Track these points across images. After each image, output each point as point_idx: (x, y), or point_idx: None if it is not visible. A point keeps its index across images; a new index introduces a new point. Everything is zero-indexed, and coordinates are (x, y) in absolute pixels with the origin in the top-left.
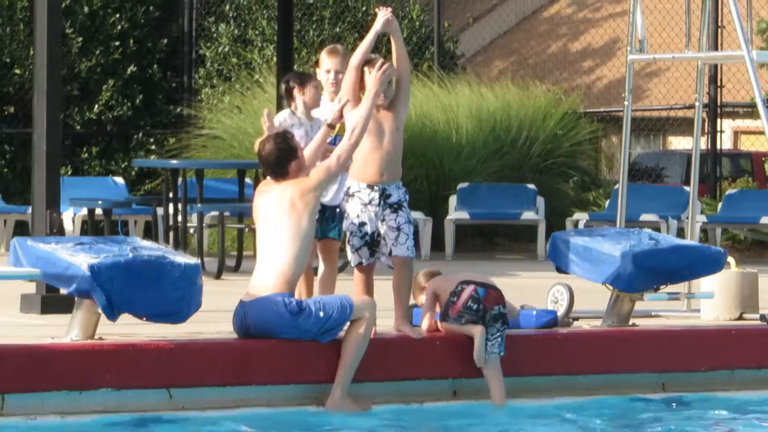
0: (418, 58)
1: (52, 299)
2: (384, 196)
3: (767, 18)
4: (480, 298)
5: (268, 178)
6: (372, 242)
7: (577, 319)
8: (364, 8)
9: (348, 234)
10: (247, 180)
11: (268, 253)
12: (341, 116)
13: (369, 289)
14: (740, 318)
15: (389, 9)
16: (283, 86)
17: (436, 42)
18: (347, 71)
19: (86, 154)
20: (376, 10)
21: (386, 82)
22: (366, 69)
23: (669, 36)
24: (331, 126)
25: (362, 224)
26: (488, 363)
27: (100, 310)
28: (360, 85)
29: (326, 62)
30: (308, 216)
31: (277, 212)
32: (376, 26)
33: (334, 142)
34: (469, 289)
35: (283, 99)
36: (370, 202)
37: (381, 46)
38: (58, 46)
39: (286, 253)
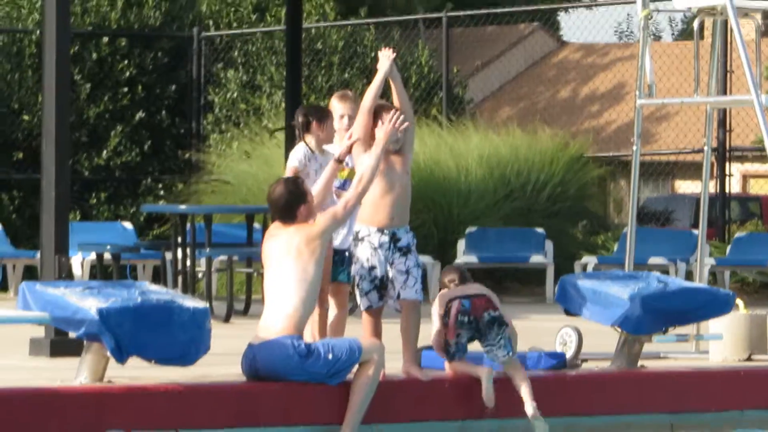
0: (426, 103)
1: (61, 343)
2: (394, 240)
3: None
4: (467, 309)
5: (277, 221)
6: (381, 286)
7: (585, 361)
8: (372, 54)
9: (357, 278)
10: (256, 225)
11: (276, 297)
12: (349, 151)
13: (378, 332)
14: (749, 359)
15: (390, 49)
16: (300, 119)
17: (445, 87)
18: (359, 114)
19: (95, 200)
20: (379, 52)
21: (396, 135)
22: (381, 114)
23: (678, 80)
24: (339, 161)
25: (372, 268)
26: (508, 367)
27: (108, 354)
28: (371, 127)
29: (338, 107)
30: (314, 263)
31: (285, 258)
32: (384, 68)
33: (344, 187)
34: (455, 306)
35: (297, 130)
36: (380, 246)
37: (388, 91)
38: (67, 92)
39: (293, 297)
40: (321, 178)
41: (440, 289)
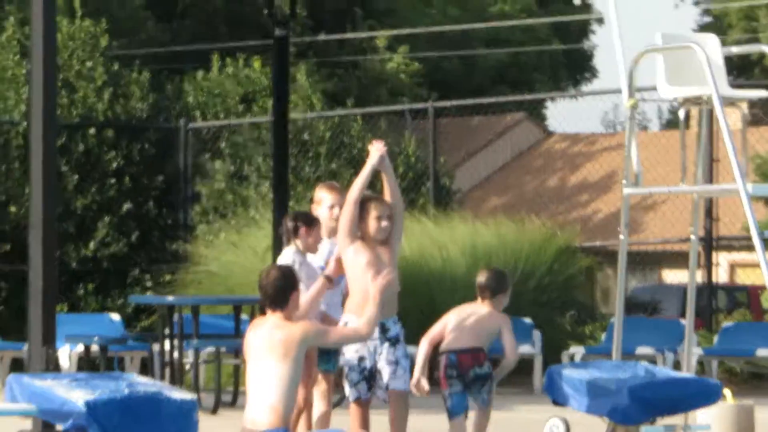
0: (414, 194)
1: None
2: (383, 330)
3: (761, 152)
4: (454, 364)
5: (266, 312)
6: (370, 377)
7: None
8: (360, 144)
9: (346, 368)
10: (243, 316)
11: (259, 391)
12: (339, 268)
13: (366, 424)
14: None
15: (382, 142)
16: (290, 224)
17: (432, 177)
18: (345, 206)
19: (82, 291)
20: (369, 145)
21: (388, 291)
22: (368, 205)
23: (665, 170)
24: (329, 279)
25: (361, 359)
26: (479, 413)
27: None
28: (359, 219)
29: (327, 198)
30: (292, 361)
31: (265, 354)
32: (372, 160)
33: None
34: (443, 360)
35: (283, 235)
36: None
37: (376, 182)
38: (54, 183)
39: (274, 389)
40: (310, 292)
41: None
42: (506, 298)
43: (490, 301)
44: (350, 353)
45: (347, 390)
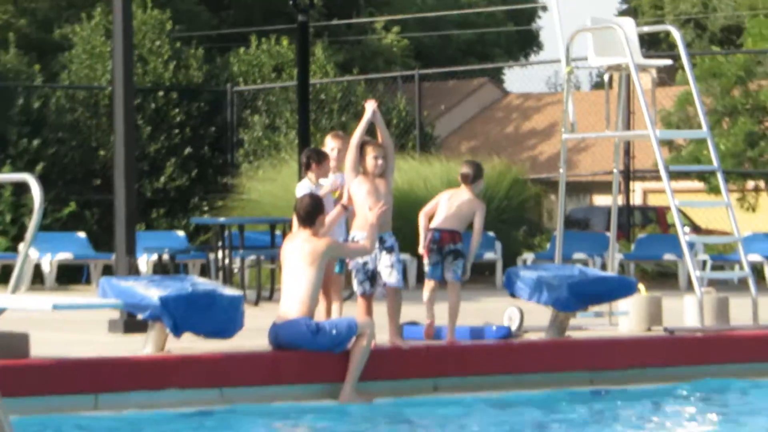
0: (404, 139)
1: (131, 323)
2: (381, 241)
3: (666, 106)
4: (436, 239)
5: (294, 229)
6: (372, 276)
7: (526, 332)
8: (362, 102)
9: (354, 271)
10: (277, 232)
11: (291, 288)
12: (350, 200)
13: (370, 312)
14: (649, 330)
15: (374, 101)
16: (304, 158)
17: (418, 127)
18: (349, 150)
19: (155, 214)
20: (364, 103)
21: (383, 219)
22: (366, 147)
23: (593, 120)
24: (345, 207)
25: (365, 263)
26: (450, 287)
27: (167, 330)
28: (360, 159)
29: (331, 143)
30: (317, 268)
31: (296, 261)
32: (367, 115)
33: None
34: (429, 235)
35: (302, 166)
36: None
37: (374, 131)
38: (132, 133)
39: (303, 288)
40: (330, 215)
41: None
42: (482, 184)
43: (470, 186)
44: (357, 259)
45: (355, 287)
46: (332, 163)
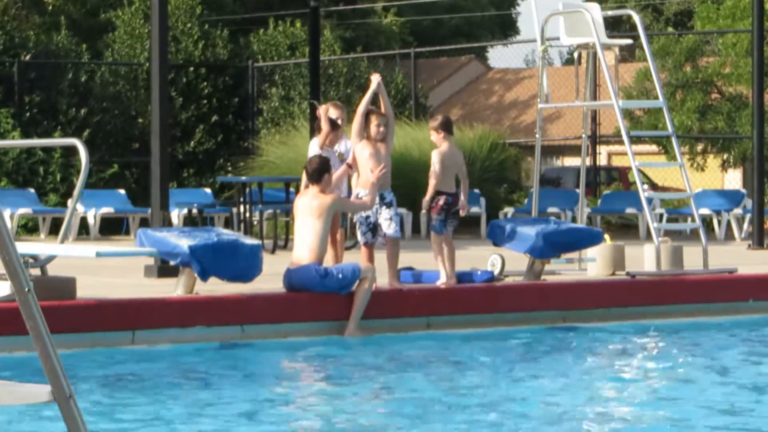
0: (401, 109)
1: (164, 268)
2: (381, 197)
3: (628, 80)
4: (450, 203)
5: (303, 188)
6: (373, 228)
7: (507, 276)
8: (366, 76)
9: (358, 223)
10: (291, 189)
11: (302, 237)
12: (355, 160)
13: (371, 258)
14: (613, 274)
15: (379, 74)
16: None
17: (413, 98)
18: (355, 117)
19: (186, 173)
20: (370, 75)
21: (383, 179)
22: (370, 116)
23: (565, 92)
24: (350, 166)
25: (367, 217)
26: (447, 239)
27: (196, 275)
28: (365, 125)
29: (333, 113)
30: (324, 221)
31: (306, 214)
32: (372, 86)
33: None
34: (442, 199)
35: (316, 130)
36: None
37: (376, 101)
38: (167, 103)
39: (313, 237)
40: (337, 173)
41: (430, 127)
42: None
43: (450, 136)
44: (361, 213)
45: (359, 237)
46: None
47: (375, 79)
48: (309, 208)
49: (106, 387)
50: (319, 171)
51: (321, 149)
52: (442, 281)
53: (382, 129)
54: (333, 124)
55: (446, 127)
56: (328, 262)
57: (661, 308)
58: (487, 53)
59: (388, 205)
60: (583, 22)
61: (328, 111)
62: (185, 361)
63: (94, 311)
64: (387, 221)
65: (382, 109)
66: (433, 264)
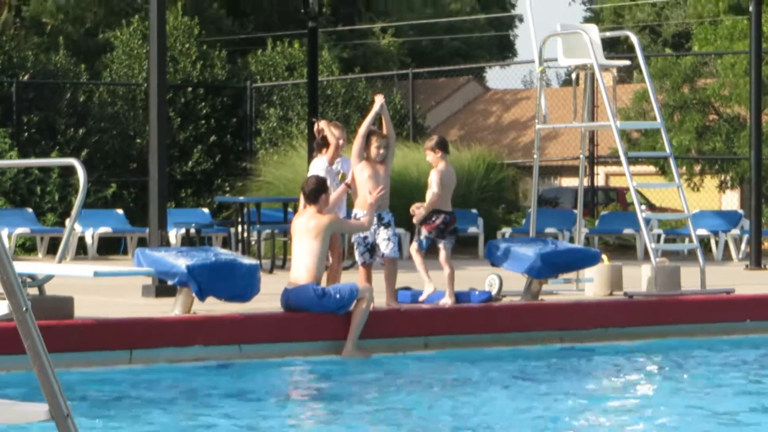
0: (398, 130)
1: (162, 288)
2: (379, 218)
3: (626, 101)
4: (447, 221)
5: (302, 208)
6: (371, 248)
7: (504, 296)
8: (364, 96)
9: (355, 243)
10: (289, 209)
11: (299, 258)
12: (354, 181)
13: (369, 279)
14: (611, 294)
15: (383, 96)
16: (319, 140)
17: (411, 118)
18: (356, 137)
19: (184, 193)
20: (374, 96)
21: (381, 201)
22: (371, 137)
23: (562, 113)
24: (348, 186)
25: (365, 237)
26: (444, 259)
27: (194, 295)
28: (365, 146)
29: (334, 132)
30: (321, 241)
31: (303, 234)
32: (375, 108)
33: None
34: (440, 218)
35: (316, 147)
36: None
37: (378, 123)
38: (165, 124)
39: (310, 258)
40: (336, 193)
41: (427, 147)
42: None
43: (446, 155)
44: (359, 234)
45: (357, 257)
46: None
47: (378, 100)
48: (306, 228)
49: (104, 406)
50: (316, 191)
51: (331, 165)
52: (428, 291)
53: (382, 151)
54: (326, 139)
55: (443, 147)
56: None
57: (659, 328)
58: (485, 74)
59: (386, 226)
60: (581, 44)
61: (329, 125)
62: (183, 381)
63: (92, 330)
64: (385, 241)
65: (384, 130)
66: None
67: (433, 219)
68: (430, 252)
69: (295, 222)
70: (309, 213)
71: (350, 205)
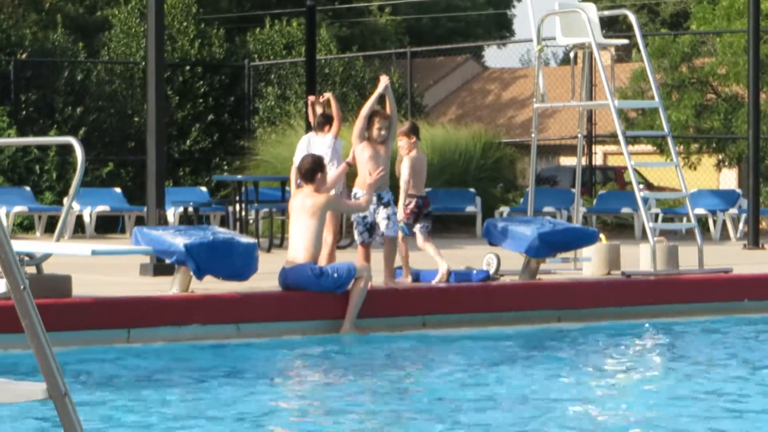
0: (397, 107)
1: (160, 266)
2: (379, 198)
3: (624, 80)
4: (420, 205)
5: (294, 187)
6: (371, 228)
7: (503, 275)
8: (362, 75)
9: (355, 223)
10: (287, 188)
11: (297, 237)
12: (354, 160)
13: (368, 258)
14: (608, 274)
15: (387, 77)
16: (321, 119)
17: (409, 97)
18: (358, 118)
19: (182, 172)
20: (379, 75)
21: (380, 182)
22: (373, 118)
23: (560, 91)
24: (349, 164)
25: (365, 217)
26: (424, 240)
27: (192, 273)
28: (367, 127)
29: (317, 109)
30: (317, 219)
31: (300, 213)
32: (380, 89)
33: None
34: (413, 202)
35: (318, 126)
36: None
37: (382, 103)
38: (163, 102)
39: (307, 236)
40: (337, 170)
41: (401, 132)
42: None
43: (418, 141)
44: (359, 213)
45: (356, 236)
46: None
47: (384, 80)
48: (303, 207)
49: (102, 385)
50: (312, 170)
51: (335, 139)
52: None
53: (383, 132)
54: (328, 117)
55: (416, 132)
56: (322, 259)
57: (657, 308)
58: (483, 53)
59: (386, 205)
60: (579, 22)
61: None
62: (181, 360)
63: (90, 309)
64: (384, 221)
65: (387, 110)
66: (429, 264)
67: (407, 204)
68: (432, 232)
69: (293, 201)
70: (306, 192)
71: (351, 184)
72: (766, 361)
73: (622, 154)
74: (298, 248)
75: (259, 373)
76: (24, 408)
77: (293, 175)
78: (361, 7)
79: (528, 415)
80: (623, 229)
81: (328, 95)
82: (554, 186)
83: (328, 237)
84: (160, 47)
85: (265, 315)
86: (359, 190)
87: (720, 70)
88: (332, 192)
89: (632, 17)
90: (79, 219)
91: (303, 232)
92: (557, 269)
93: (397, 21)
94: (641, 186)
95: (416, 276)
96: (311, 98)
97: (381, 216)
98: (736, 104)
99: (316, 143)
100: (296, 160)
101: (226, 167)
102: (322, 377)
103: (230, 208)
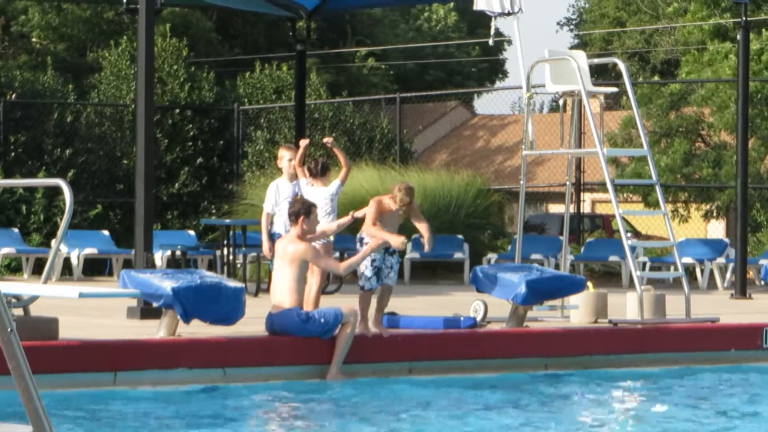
0: (386, 153)
1: (147, 310)
2: (387, 247)
3: (613, 127)
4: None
5: (266, 236)
6: (378, 272)
7: (489, 322)
8: (351, 120)
9: (363, 266)
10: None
11: (278, 281)
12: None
13: (369, 305)
14: (596, 322)
15: (331, 138)
16: (311, 168)
17: (398, 143)
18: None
19: (170, 215)
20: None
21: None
22: (388, 201)
23: (549, 139)
24: (354, 218)
25: (374, 260)
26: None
27: (178, 317)
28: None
29: (286, 155)
30: (297, 267)
31: (282, 258)
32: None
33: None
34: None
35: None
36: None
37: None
38: (152, 145)
39: (289, 282)
40: (340, 221)
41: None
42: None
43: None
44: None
45: (362, 282)
46: (288, 172)
47: (399, 243)
48: (284, 252)
49: (88, 428)
50: (296, 213)
51: (343, 184)
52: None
53: (403, 207)
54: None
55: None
56: (309, 304)
57: (644, 356)
58: (473, 100)
59: (392, 253)
60: (568, 70)
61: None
62: (167, 403)
63: (77, 352)
64: (387, 269)
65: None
66: (413, 310)
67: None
68: (420, 278)
69: (276, 244)
70: (290, 236)
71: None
72: (752, 410)
73: (610, 201)
74: (282, 293)
75: (245, 418)
76: None
77: (264, 222)
78: (349, 52)
79: None
80: (611, 277)
81: (330, 140)
82: (542, 233)
83: (314, 281)
84: (150, 90)
85: (252, 359)
86: (366, 236)
87: (707, 118)
88: (325, 240)
89: (622, 65)
90: (67, 261)
91: (283, 277)
92: (544, 317)
93: (384, 69)
94: (629, 234)
95: (395, 322)
96: (303, 142)
97: (387, 264)
98: (724, 153)
99: (311, 192)
100: (266, 206)
101: (214, 211)
102: (309, 423)
103: (218, 252)
